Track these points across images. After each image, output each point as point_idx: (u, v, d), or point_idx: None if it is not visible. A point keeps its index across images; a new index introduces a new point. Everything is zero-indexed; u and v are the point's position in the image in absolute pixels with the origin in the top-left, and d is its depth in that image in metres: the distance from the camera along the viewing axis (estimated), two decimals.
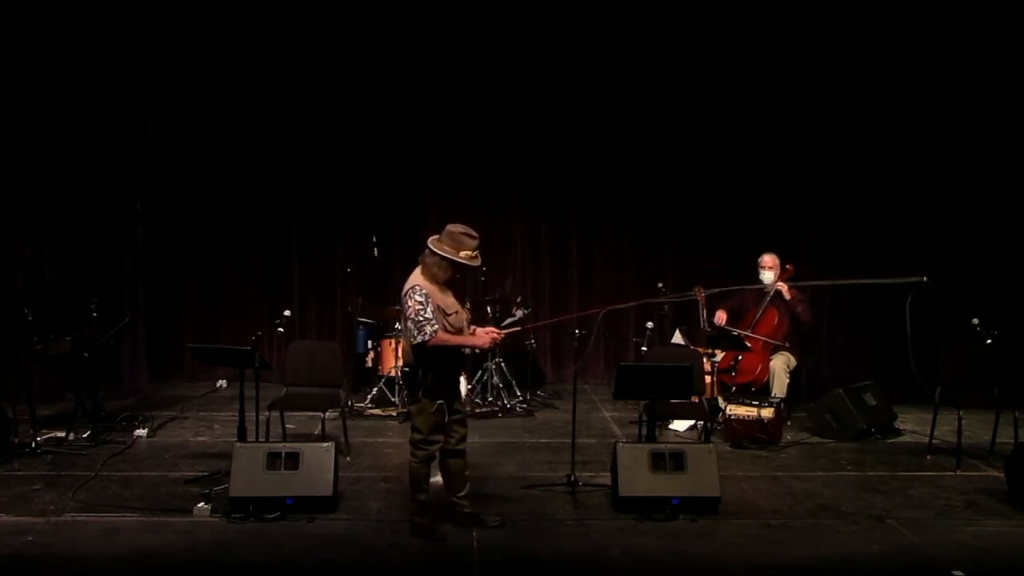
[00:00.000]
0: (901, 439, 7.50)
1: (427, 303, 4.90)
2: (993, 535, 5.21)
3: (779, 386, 7.74)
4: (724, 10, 9.21)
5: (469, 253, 4.98)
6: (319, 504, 5.39)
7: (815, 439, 7.41)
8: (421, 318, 4.88)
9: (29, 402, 6.99)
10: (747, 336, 7.75)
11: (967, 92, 9.00)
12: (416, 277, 5.02)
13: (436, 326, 4.89)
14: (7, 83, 8.23)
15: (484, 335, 5.20)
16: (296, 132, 9.55)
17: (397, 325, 8.11)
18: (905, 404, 8.15)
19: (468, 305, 5.31)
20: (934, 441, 6.88)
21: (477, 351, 5.29)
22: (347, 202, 9.74)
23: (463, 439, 5.27)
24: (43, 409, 7.59)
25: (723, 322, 7.95)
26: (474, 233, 5.05)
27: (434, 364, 4.98)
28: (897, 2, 8.92)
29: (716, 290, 8.23)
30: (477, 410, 8.15)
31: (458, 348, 5.08)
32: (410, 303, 4.92)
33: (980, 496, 5.88)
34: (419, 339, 4.90)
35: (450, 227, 5.04)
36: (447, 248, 4.97)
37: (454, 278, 5.07)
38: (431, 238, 5.06)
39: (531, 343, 9.14)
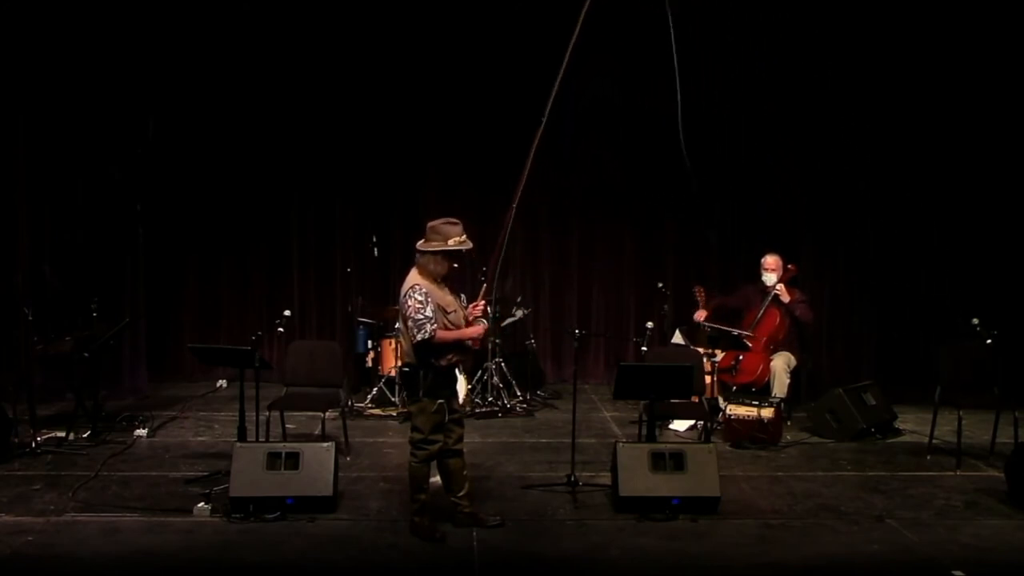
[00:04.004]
0: (901, 439, 7.51)
1: (427, 302, 4.91)
2: (993, 535, 5.21)
3: (779, 386, 7.74)
4: (722, 9, 9.22)
5: (457, 239, 5.00)
6: (319, 504, 5.39)
7: (815, 439, 7.41)
8: (421, 316, 4.88)
9: (29, 402, 7.00)
10: (748, 336, 7.75)
11: (967, 92, 9.00)
12: (414, 277, 5.03)
13: (436, 324, 4.90)
14: (7, 83, 8.22)
15: (475, 324, 5.13)
16: (296, 132, 9.54)
17: (397, 325, 8.11)
18: (905, 404, 8.16)
19: (465, 303, 5.30)
20: (934, 441, 6.88)
21: (476, 344, 5.29)
22: (347, 202, 9.74)
23: (460, 439, 5.27)
24: (43, 409, 7.58)
25: (702, 319, 7.95)
26: (454, 220, 5.08)
27: (435, 363, 4.98)
28: (894, 4, 8.93)
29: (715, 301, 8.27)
30: (477, 410, 8.15)
31: (459, 343, 5.07)
32: (410, 302, 4.93)
33: (980, 496, 5.88)
34: (419, 338, 4.90)
35: (430, 224, 5.07)
36: (435, 243, 4.99)
37: (451, 272, 5.07)
38: (417, 244, 5.08)
39: (531, 343, 9.14)
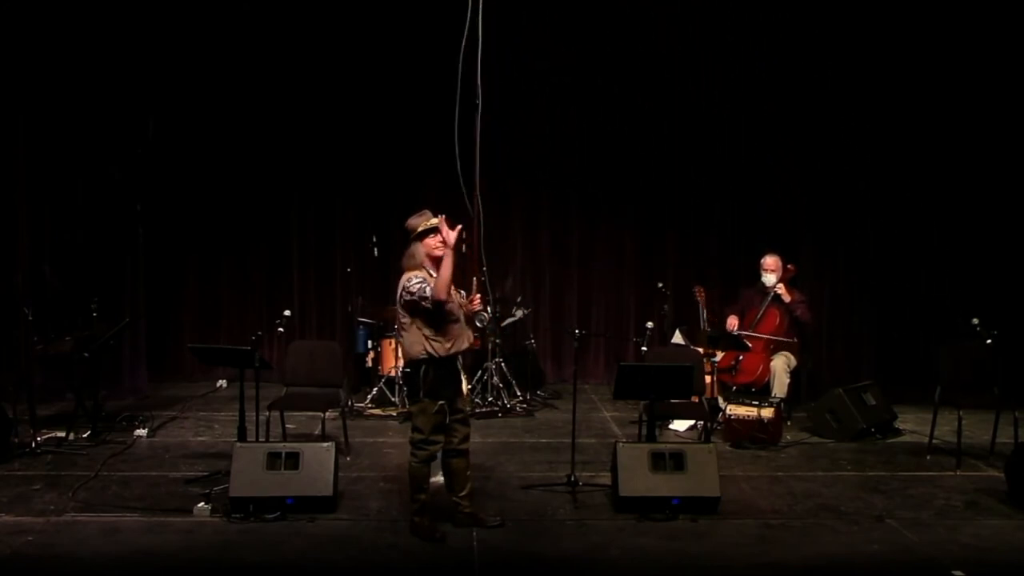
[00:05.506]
0: (901, 439, 7.50)
1: (425, 282, 4.96)
2: (993, 535, 5.21)
3: (779, 386, 7.74)
4: (722, 9, 9.23)
5: (425, 222, 5.05)
6: (319, 504, 5.39)
7: (815, 439, 7.41)
8: (416, 288, 4.94)
9: (29, 402, 7.00)
10: (749, 336, 7.75)
11: (967, 92, 9.00)
12: (407, 273, 5.07)
13: (429, 289, 4.93)
14: (7, 83, 8.22)
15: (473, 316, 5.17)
16: (296, 132, 9.54)
17: (396, 325, 8.12)
18: (905, 404, 8.16)
19: (463, 293, 5.30)
20: (934, 441, 6.88)
21: (476, 343, 5.27)
22: (347, 202, 9.75)
23: (466, 439, 5.26)
24: (43, 409, 7.58)
25: (735, 328, 7.93)
26: (419, 211, 5.15)
27: (443, 321, 4.98)
28: (894, 4, 8.94)
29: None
30: (477, 410, 8.15)
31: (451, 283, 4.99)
32: (408, 285, 4.98)
33: (980, 496, 5.88)
34: (427, 304, 4.90)
35: (405, 226, 5.14)
36: (413, 239, 5.07)
37: (433, 255, 5.06)
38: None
39: (531, 343, 9.14)
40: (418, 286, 4.95)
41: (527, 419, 8.19)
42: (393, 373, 8.36)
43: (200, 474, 6.17)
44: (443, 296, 4.90)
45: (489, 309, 7.85)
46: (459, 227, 5.05)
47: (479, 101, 5.28)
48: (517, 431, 7.73)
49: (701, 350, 7.49)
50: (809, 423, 7.69)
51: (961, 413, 6.55)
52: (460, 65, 5.37)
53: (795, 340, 7.93)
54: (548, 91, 9.59)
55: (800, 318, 7.97)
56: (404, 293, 5.01)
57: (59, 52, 8.51)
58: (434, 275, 5.02)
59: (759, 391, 7.73)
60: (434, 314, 4.96)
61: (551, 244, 9.96)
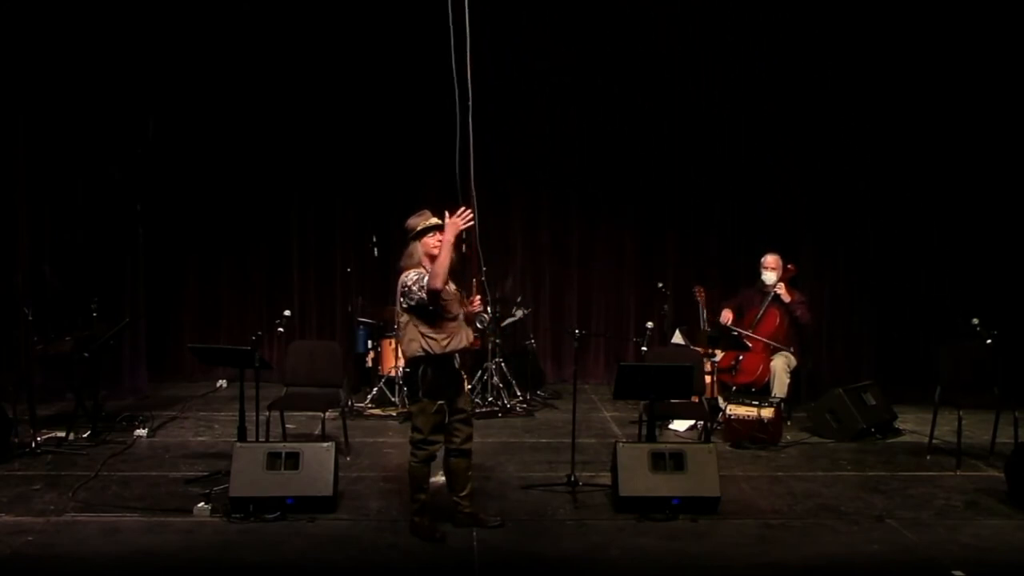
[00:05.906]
0: (901, 439, 7.50)
1: (423, 277, 4.95)
2: (993, 535, 5.21)
3: (779, 386, 7.74)
4: (722, 9, 9.23)
5: (424, 222, 5.06)
6: (319, 504, 5.39)
7: (815, 439, 7.41)
8: (413, 280, 4.94)
9: (29, 402, 7.00)
10: (748, 336, 7.75)
11: (967, 92, 9.00)
12: (407, 272, 5.07)
13: (427, 278, 4.91)
14: (7, 83, 8.22)
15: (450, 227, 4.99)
16: (296, 132, 9.55)
17: (396, 325, 8.12)
18: (905, 404, 8.16)
19: (464, 293, 5.29)
20: (934, 441, 6.88)
21: (476, 343, 5.24)
22: (347, 202, 9.75)
23: (468, 439, 5.25)
24: (43, 409, 7.59)
25: (729, 321, 7.94)
26: (418, 211, 5.15)
27: (439, 317, 4.97)
28: (894, 4, 8.94)
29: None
30: (477, 410, 8.15)
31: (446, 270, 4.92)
32: (408, 281, 4.98)
33: (980, 496, 5.88)
34: (424, 293, 4.88)
35: (404, 226, 5.15)
36: (412, 238, 5.08)
37: (431, 254, 5.04)
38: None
39: (531, 343, 9.14)
40: (416, 280, 4.97)
41: (527, 419, 8.19)
42: (393, 373, 8.37)
43: (200, 474, 6.17)
44: (438, 284, 4.84)
45: (489, 309, 7.86)
46: (467, 210, 4.98)
47: (470, 102, 5.29)
48: (517, 431, 7.73)
49: (701, 350, 7.49)
50: (809, 423, 7.69)
51: (961, 413, 6.55)
52: (453, 65, 5.35)
53: (792, 350, 7.93)
54: (548, 91, 9.60)
55: (800, 319, 7.97)
56: (402, 287, 5.02)
57: (59, 52, 8.51)
58: None
59: (759, 391, 7.73)
60: (430, 308, 4.95)
61: (551, 244, 9.96)
